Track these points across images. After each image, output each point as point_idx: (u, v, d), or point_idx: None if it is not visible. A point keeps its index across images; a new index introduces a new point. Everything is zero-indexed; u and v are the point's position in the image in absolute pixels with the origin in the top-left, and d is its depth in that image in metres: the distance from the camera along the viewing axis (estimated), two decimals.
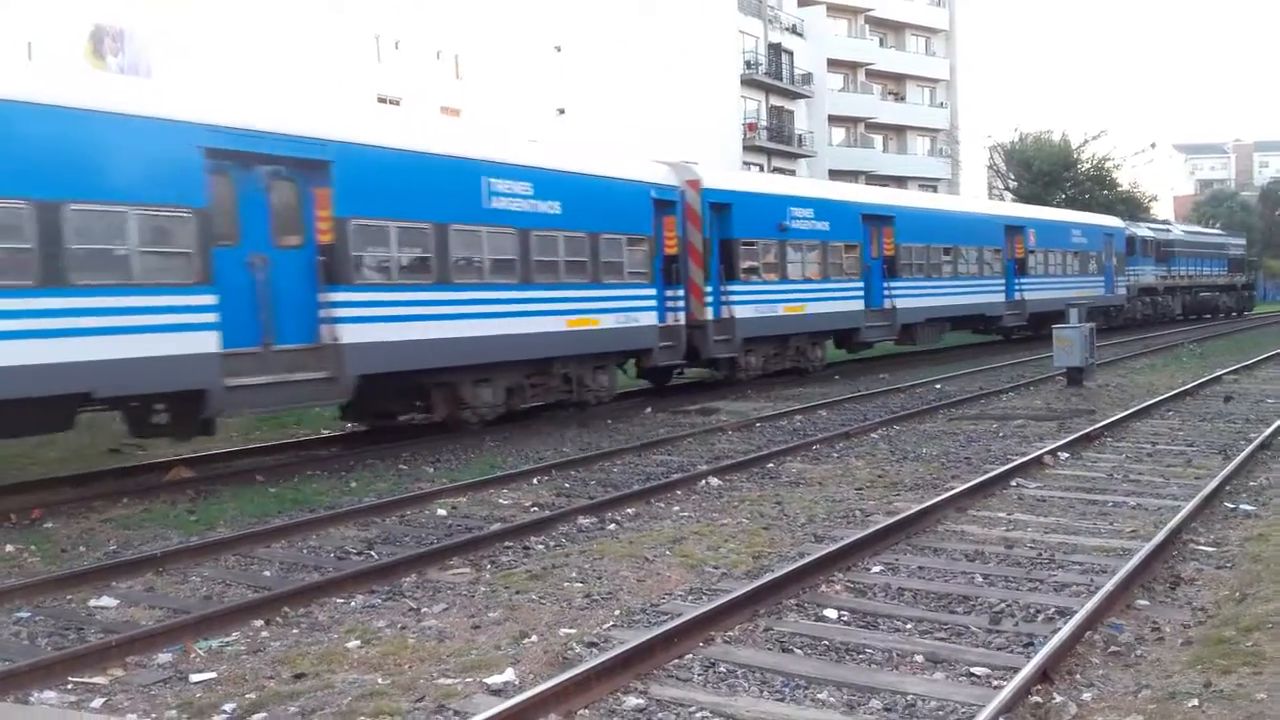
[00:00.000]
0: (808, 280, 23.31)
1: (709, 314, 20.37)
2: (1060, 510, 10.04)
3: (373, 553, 9.20)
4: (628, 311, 18.22)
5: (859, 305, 24.90)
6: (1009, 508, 10.19)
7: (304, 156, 12.95)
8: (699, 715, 5.46)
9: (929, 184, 62.90)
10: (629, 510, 10.50)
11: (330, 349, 13.14)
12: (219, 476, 13.01)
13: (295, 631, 7.04)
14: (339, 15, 43.58)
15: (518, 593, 7.74)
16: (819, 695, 5.71)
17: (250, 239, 12.48)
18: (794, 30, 58.21)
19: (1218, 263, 52.11)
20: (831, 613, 7.06)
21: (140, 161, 11.39)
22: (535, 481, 12.30)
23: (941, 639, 6.53)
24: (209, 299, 11.89)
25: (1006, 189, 61.63)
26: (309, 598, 7.62)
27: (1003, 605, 7.11)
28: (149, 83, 16.80)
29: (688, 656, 6.22)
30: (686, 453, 14.17)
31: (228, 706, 5.75)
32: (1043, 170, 58.35)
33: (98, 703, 5.89)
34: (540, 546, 9.19)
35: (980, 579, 7.80)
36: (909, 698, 5.59)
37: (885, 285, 25.94)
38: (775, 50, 55.65)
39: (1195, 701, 5.44)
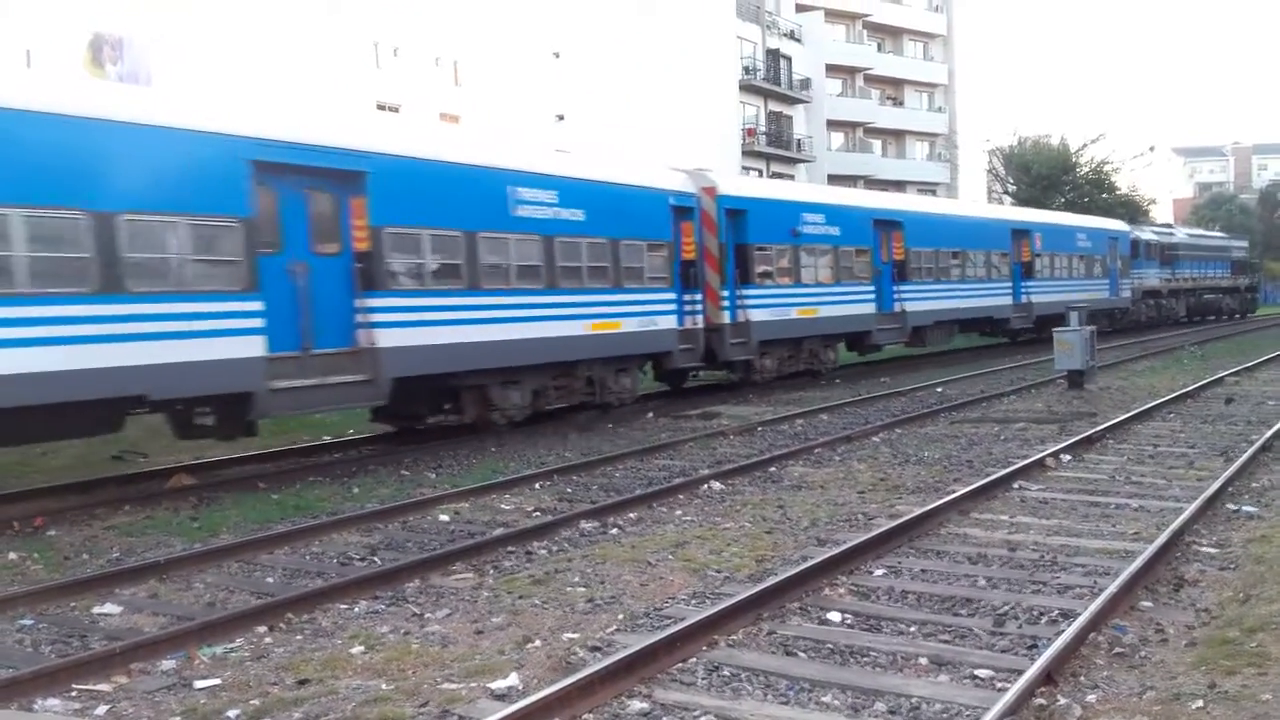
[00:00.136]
0: (820, 284, 23.66)
1: (725, 317, 20.79)
2: (1063, 512, 10.04)
3: (376, 558, 9.20)
4: (648, 315, 18.66)
5: (870, 309, 25.32)
6: (1011, 510, 10.18)
7: (341, 168, 13.43)
8: (703, 719, 5.46)
9: (928, 188, 62.94)
10: (631, 514, 10.50)
11: (367, 353, 13.56)
12: (221, 483, 13.01)
13: (299, 637, 7.04)
14: (337, 22, 43.65)
15: (521, 598, 7.74)
16: (823, 698, 5.71)
17: (291, 247, 12.94)
18: (792, 36, 58.28)
19: (1221, 265, 52.36)
20: (835, 616, 7.06)
21: (191, 173, 11.86)
22: (537, 486, 12.30)
23: (945, 641, 6.53)
24: (255, 305, 12.35)
25: (1005, 193, 61.66)
26: (312, 604, 7.62)
27: (1006, 608, 7.10)
28: (197, 97, 17.26)
29: (691, 660, 6.22)
30: (688, 457, 14.16)
31: (232, 713, 5.75)
32: (1042, 174, 58.39)
33: (102, 710, 5.89)
34: (543, 551, 9.19)
35: (983, 581, 7.80)
36: (913, 700, 5.59)
37: (895, 289, 26.29)
38: (773, 56, 55.71)
39: (1200, 703, 5.44)
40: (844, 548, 8.35)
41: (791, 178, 52.99)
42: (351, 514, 10.79)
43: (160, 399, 11.80)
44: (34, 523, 10.85)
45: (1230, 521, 9.51)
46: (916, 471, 12.48)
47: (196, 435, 13.29)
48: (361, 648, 6.74)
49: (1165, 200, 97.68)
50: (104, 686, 6.19)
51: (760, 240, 21.81)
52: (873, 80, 64.65)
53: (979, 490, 10.68)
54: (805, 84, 58.55)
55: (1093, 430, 14.47)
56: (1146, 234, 44.50)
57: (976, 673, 5.97)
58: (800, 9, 59.90)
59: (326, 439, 16.84)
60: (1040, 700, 5.44)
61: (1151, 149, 67.25)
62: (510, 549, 9.19)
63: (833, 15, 61.94)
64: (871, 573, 8.09)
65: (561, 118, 50.30)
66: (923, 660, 6.19)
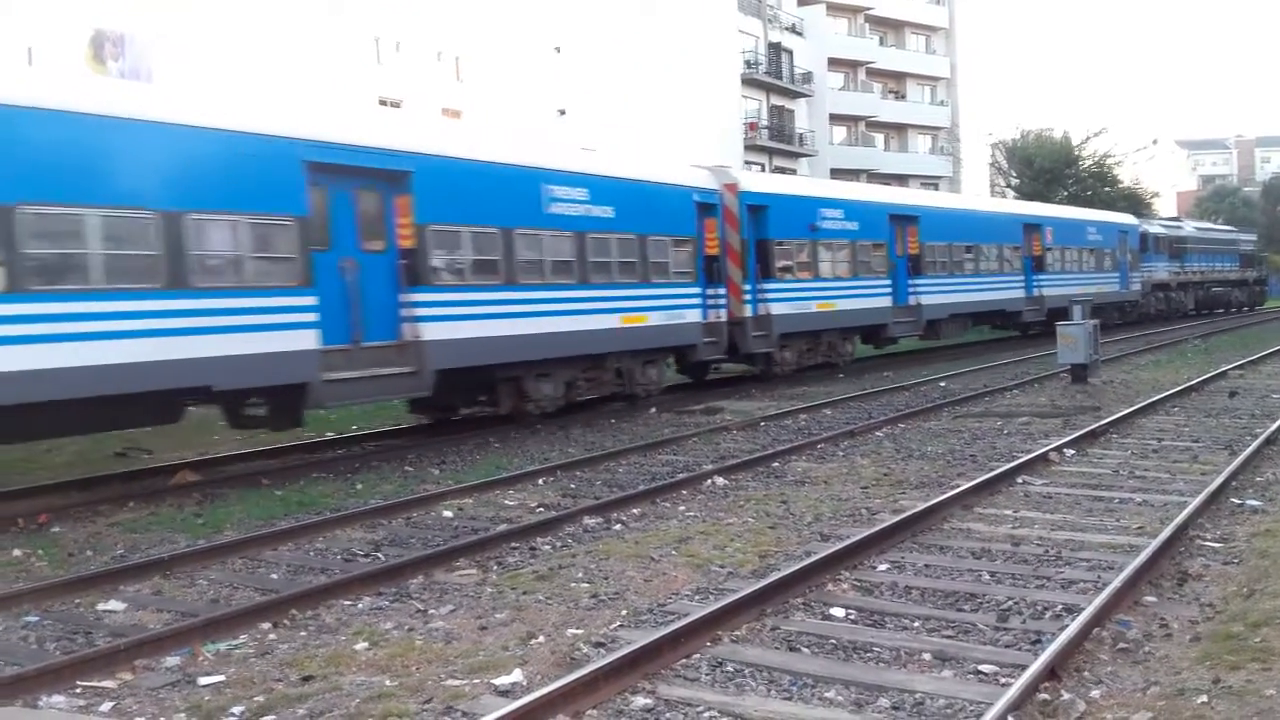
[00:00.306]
0: (838, 278, 24.24)
1: (747, 311, 21.26)
2: (1066, 507, 10.03)
3: (379, 555, 9.21)
4: (674, 309, 19.28)
5: (886, 302, 25.84)
6: (1015, 505, 10.18)
7: (388, 167, 14.04)
8: (707, 715, 5.46)
9: (930, 182, 62.89)
10: (635, 510, 10.51)
11: (412, 346, 14.14)
12: (225, 480, 13.03)
13: (303, 634, 7.05)
14: (339, 17, 43.59)
15: (524, 594, 7.74)
16: (827, 694, 5.71)
17: (341, 244, 13.54)
18: (794, 29, 58.20)
19: (1229, 258, 52.64)
20: (839, 611, 7.05)
21: (252, 175, 12.45)
22: (541, 482, 12.31)
23: (949, 637, 6.52)
24: (310, 300, 12.95)
25: (1008, 186, 61.60)
26: (316, 600, 7.63)
27: (1010, 603, 7.10)
28: (254, 100, 18.11)
29: (695, 656, 6.22)
30: (692, 452, 14.17)
31: (236, 709, 5.76)
32: (1044, 167, 58.33)
33: (106, 707, 5.90)
34: (546, 547, 9.19)
35: (987, 577, 7.79)
36: (917, 696, 5.59)
37: (910, 283, 26.78)
38: (775, 49, 55.64)
39: (1204, 698, 5.43)
40: (847, 543, 8.35)
41: (794, 172, 52.99)
42: (355, 510, 10.80)
43: (223, 390, 12.35)
44: (39, 519, 10.88)
45: (1234, 516, 9.50)
46: (920, 466, 12.48)
47: (249, 426, 14.00)
48: (365, 644, 6.74)
49: (1168, 193, 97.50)
50: (109, 683, 6.21)
51: (780, 235, 22.41)
52: (875, 74, 64.55)
53: (982, 485, 10.68)
54: (807, 78, 58.47)
55: (1096, 424, 14.45)
56: (1156, 228, 44.99)
57: (980, 668, 5.97)
58: (802, 3, 59.84)
59: (329, 435, 16.86)
60: (1044, 695, 5.43)
61: (1154, 142, 67.30)
62: (514, 545, 9.20)
63: (834, 9, 61.86)
64: (875, 568, 8.08)
65: (563, 113, 50.23)
66: (926, 656, 6.19)
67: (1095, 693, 5.58)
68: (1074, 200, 52.04)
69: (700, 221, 20.13)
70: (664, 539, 9.25)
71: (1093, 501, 10.21)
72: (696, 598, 7.50)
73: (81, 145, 10.93)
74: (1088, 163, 60.11)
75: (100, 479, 13.13)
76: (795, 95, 57.40)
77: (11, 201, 10.37)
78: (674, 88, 48.85)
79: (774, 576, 7.48)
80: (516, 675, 6.04)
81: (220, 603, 7.91)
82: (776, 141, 54.95)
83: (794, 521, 9.83)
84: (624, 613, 7.21)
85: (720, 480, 11.84)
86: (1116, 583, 6.99)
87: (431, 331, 14.30)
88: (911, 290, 26.73)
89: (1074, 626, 6.20)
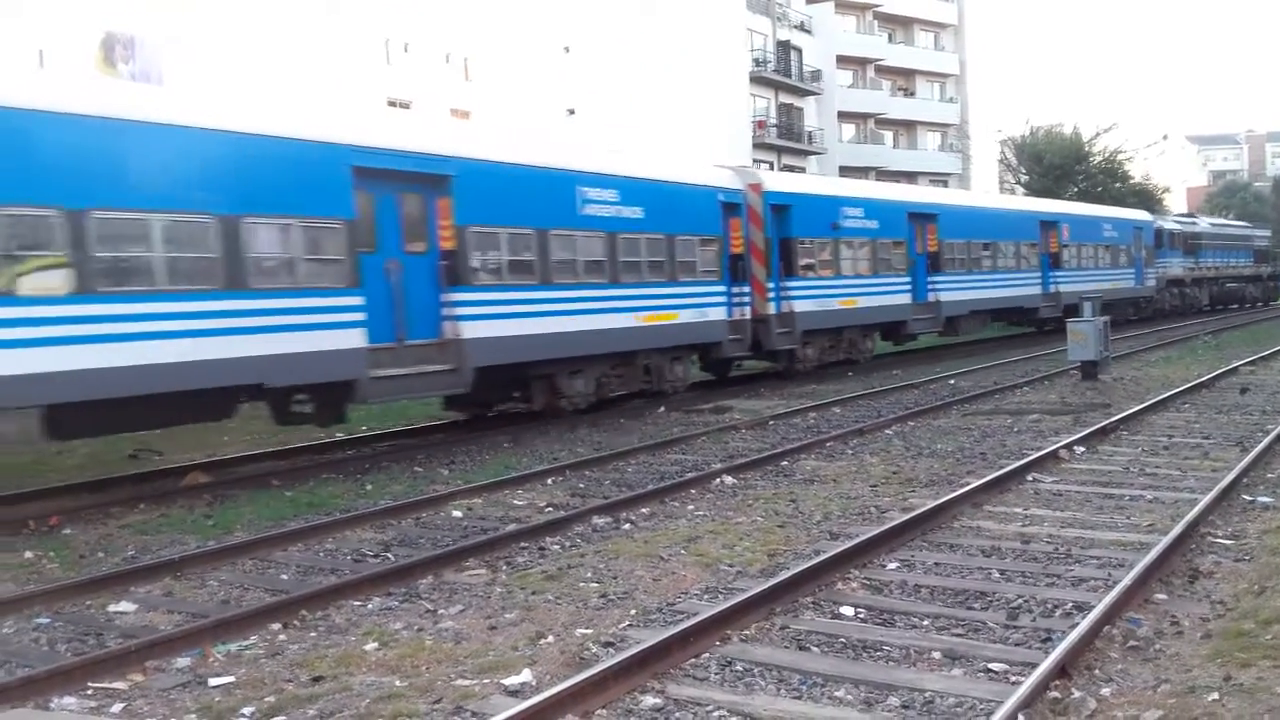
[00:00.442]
0: (859, 275, 24.60)
1: (771, 309, 21.68)
2: (1077, 505, 10.00)
3: (389, 555, 9.22)
4: (701, 307, 19.64)
5: (906, 299, 26.20)
6: (1025, 503, 10.15)
7: (430, 171, 14.51)
8: (716, 714, 5.46)
9: (939, 179, 62.75)
10: (644, 510, 10.50)
11: (452, 344, 14.60)
12: (235, 481, 13.06)
13: (313, 634, 7.06)
14: (348, 19, 43.69)
15: (534, 593, 7.75)
16: (836, 693, 5.70)
17: (386, 246, 14.01)
18: (802, 27, 58.12)
19: (1243, 254, 52.75)
20: (848, 610, 7.04)
21: (304, 179, 12.92)
22: (550, 482, 12.31)
23: (959, 635, 6.51)
24: (358, 300, 13.43)
25: (1018, 183, 61.40)
26: (326, 600, 7.64)
27: (1020, 601, 7.09)
28: (306, 107, 19.26)
29: (704, 655, 6.22)
30: (700, 451, 14.16)
31: (247, 710, 5.77)
32: (1054, 164, 58.11)
33: (117, 708, 5.92)
34: (555, 547, 9.20)
35: (997, 575, 7.77)
36: (927, 694, 5.58)
37: (929, 280, 27.13)
38: (784, 47, 55.58)
39: (1215, 695, 5.41)
40: (856, 541, 8.33)
41: (803, 170, 52.91)
42: (365, 511, 10.82)
43: (276, 386, 12.90)
44: (50, 521, 10.92)
45: (1246, 513, 9.46)
46: (929, 464, 12.45)
47: (295, 422, 14.44)
48: (375, 644, 6.76)
49: (1179, 189, 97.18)
50: (120, 684, 6.23)
51: (803, 234, 22.74)
52: (884, 71, 64.44)
53: (992, 483, 10.64)
54: (816, 76, 58.41)
55: (1107, 421, 14.41)
56: (1170, 224, 45.24)
57: (990, 666, 5.96)
58: (810, 0, 59.72)
59: (339, 436, 16.89)
60: (1054, 693, 5.42)
61: (1165, 137, 66.91)
62: (523, 545, 9.21)
63: (843, 6, 61.79)
64: (884, 566, 8.07)
65: (572, 112, 50.26)
66: (936, 654, 6.18)
67: (1106, 690, 5.56)
68: (1084, 196, 51.92)
69: (725, 221, 20.55)
70: (673, 538, 9.25)
71: (1103, 499, 10.18)
72: (705, 597, 7.50)
73: (147, 152, 11.42)
74: (1098, 159, 59.86)
75: (111, 481, 13.17)
76: (804, 93, 57.34)
77: (82, 207, 10.80)
78: (682, 86, 48.85)
79: (783, 575, 7.48)
80: (526, 675, 6.04)
81: (231, 604, 7.93)
82: (785, 139, 54.90)
83: (803, 520, 9.82)
84: (633, 612, 7.21)
85: (729, 479, 11.83)
86: (1127, 580, 6.97)
87: (471, 330, 14.76)
88: (931, 287, 27.08)
89: (1084, 624, 6.18)
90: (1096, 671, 5.81)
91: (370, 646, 6.72)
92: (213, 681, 6.22)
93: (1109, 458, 12.34)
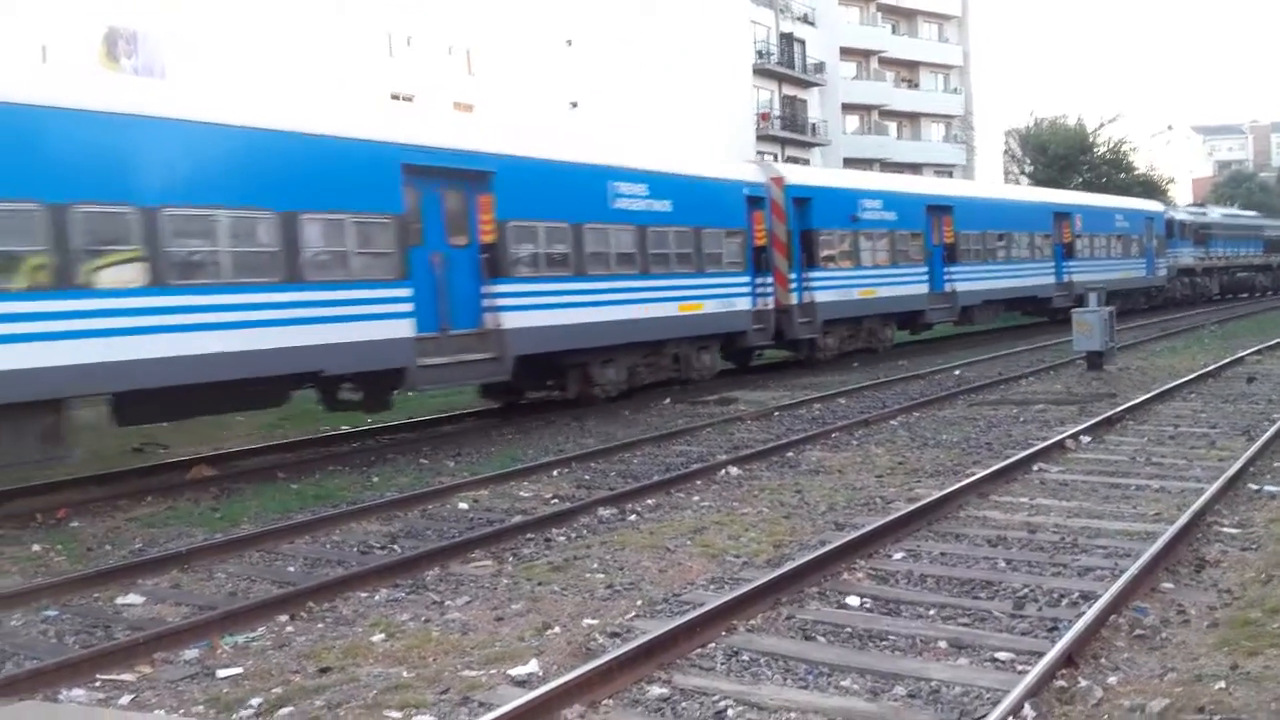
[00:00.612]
0: (878, 266, 25.09)
1: (793, 299, 22.17)
2: (1083, 494, 9.99)
3: (395, 547, 9.24)
4: (726, 297, 20.21)
5: (923, 289, 26.67)
6: (1031, 493, 10.14)
7: (473, 168, 15.09)
8: (722, 704, 5.46)
9: (944, 170, 62.56)
10: (649, 501, 10.51)
11: (493, 333, 15.20)
12: (241, 474, 13.10)
13: (320, 626, 7.08)
14: (350, 13, 43.64)
15: (540, 584, 7.76)
16: (842, 682, 5.70)
17: (431, 240, 14.60)
18: (805, 19, 57.94)
19: (1254, 243, 52.93)
20: (854, 600, 7.05)
21: (358, 177, 13.50)
22: (555, 474, 12.32)
23: (965, 625, 6.51)
24: (406, 291, 14.03)
25: (1022, 174, 61.28)
26: (333, 592, 7.66)
27: (1026, 590, 7.08)
28: (357, 107, 20.14)
29: (710, 646, 6.22)
30: (706, 443, 14.16)
31: (254, 701, 5.79)
32: (1059, 154, 58.04)
33: (126, 699, 5.94)
34: (561, 538, 9.21)
35: (1003, 564, 7.77)
36: (933, 684, 5.58)
37: (946, 270, 27.53)
38: (787, 39, 55.44)
39: (1222, 684, 5.41)
40: (862, 532, 8.33)
41: (806, 162, 52.77)
42: (371, 503, 10.84)
43: (333, 374, 13.54)
44: (57, 514, 10.95)
45: (1252, 501, 9.45)
46: (935, 455, 12.44)
47: (344, 409, 15.07)
48: (382, 635, 6.77)
49: (1184, 179, 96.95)
50: (128, 676, 6.25)
51: (824, 226, 23.22)
52: (887, 63, 64.21)
53: (998, 473, 10.63)
54: (819, 67, 58.25)
55: (1112, 411, 14.39)
56: (1181, 214, 45.68)
57: (997, 655, 5.96)
58: None
59: (345, 429, 16.91)
60: (1061, 682, 5.43)
61: (1169, 127, 66.91)
62: (529, 536, 9.22)
63: None
64: (890, 556, 8.07)
65: (575, 105, 50.20)
66: (942, 643, 6.18)
67: (1112, 679, 5.56)
68: (1088, 187, 51.84)
69: (750, 214, 21.06)
70: (679, 529, 9.26)
71: (1109, 488, 10.17)
72: (711, 587, 7.50)
73: (215, 152, 12.05)
74: (1102, 149, 59.77)
75: (118, 474, 13.21)
76: (807, 85, 57.19)
77: (155, 204, 11.38)
78: (685, 79, 48.76)
79: (789, 566, 7.48)
80: (532, 665, 6.05)
81: (238, 596, 7.95)
82: (789, 131, 54.77)
83: (808, 511, 9.82)
84: (639, 603, 7.22)
85: (734, 470, 11.83)
86: (1134, 569, 6.96)
87: (511, 320, 15.33)
88: (947, 277, 27.46)
89: (1091, 613, 6.18)
90: (1103, 660, 5.81)
91: (377, 638, 6.74)
92: (220, 673, 6.24)
93: (1115, 447, 12.32)
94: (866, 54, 62.74)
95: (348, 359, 13.30)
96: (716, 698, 5.52)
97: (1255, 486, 9.91)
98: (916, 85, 66.09)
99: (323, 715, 5.57)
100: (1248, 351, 22.16)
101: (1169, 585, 7.09)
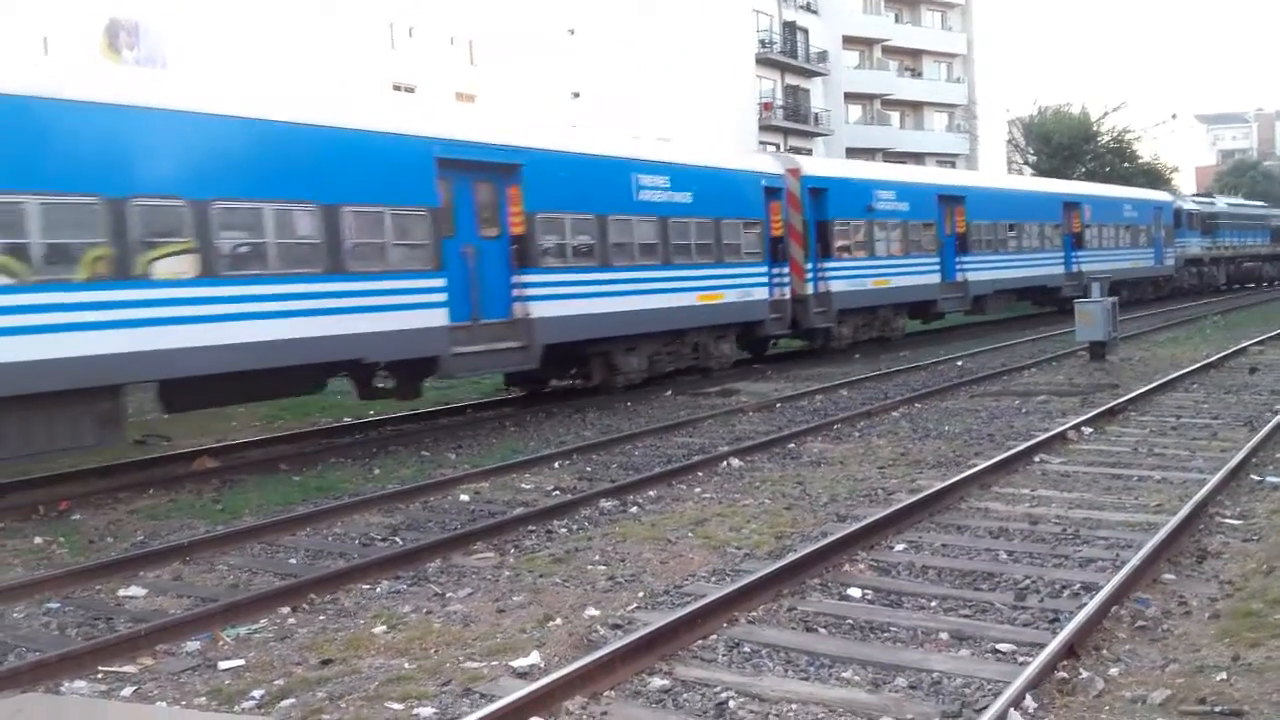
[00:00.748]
0: (892, 256, 25.36)
1: (809, 288, 22.49)
2: (1084, 485, 9.98)
3: (397, 539, 9.25)
4: (745, 287, 20.49)
5: (936, 279, 26.99)
6: (1033, 484, 10.13)
7: (503, 161, 15.45)
8: (724, 695, 5.46)
9: (947, 160, 62.43)
10: (651, 492, 10.51)
11: (522, 323, 15.55)
12: (243, 466, 13.09)
13: (322, 618, 7.09)
14: (351, 4, 43.55)
15: (541, 576, 7.77)
16: (844, 674, 5.70)
17: (463, 232, 14.94)
18: (808, 8, 57.76)
19: (1261, 233, 53.13)
20: (855, 592, 7.05)
21: (395, 171, 13.90)
22: (557, 465, 12.32)
23: (966, 616, 6.51)
24: (441, 282, 14.39)
25: (1026, 163, 61.15)
26: (335, 584, 7.66)
27: (1028, 581, 7.08)
28: (394, 102, 20.57)
29: (712, 637, 6.23)
30: (707, 434, 14.16)
31: (256, 693, 5.80)
32: (1062, 144, 57.90)
33: (128, 691, 5.95)
34: (563, 530, 9.21)
35: (1005, 555, 7.77)
36: (934, 675, 5.58)
37: (958, 260, 27.87)
38: (790, 28, 55.27)
39: (1223, 675, 5.41)
40: (864, 523, 8.33)
41: (809, 152, 52.68)
42: (373, 495, 10.84)
43: (373, 361, 13.97)
44: (59, 506, 10.96)
45: (1254, 493, 9.43)
46: (937, 446, 12.43)
47: (376, 396, 15.57)
48: (384, 627, 6.78)
49: (1188, 168, 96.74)
50: (130, 668, 6.26)
51: (839, 216, 23.52)
52: (890, 51, 64.07)
53: (1000, 464, 10.63)
54: (822, 56, 58.10)
55: (1115, 402, 14.37)
56: (1189, 204, 45.88)
57: (998, 647, 5.95)
58: None
59: (347, 420, 16.93)
60: (1062, 674, 5.42)
61: (1173, 116, 66.64)
62: (531, 528, 9.22)
63: None
64: (892, 548, 8.07)
65: (577, 95, 50.11)
66: (944, 635, 6.18)
67: (1114, 670, 5.56)
68: (1092, 177, 51.77)
69: (767, 205, 21.31)
70: (680, 521, 9.26)
71: (1111, 480, 10.16)
72: (713, 579, 7.51)
73: (262, 147, 12.45)
74: (1106, 138, 59.63)
75: (120, 466, 13.20)
76: (810, 74, 57.04)
77: (206, 197, 11.76)
78: (688, 68, 48.64)
79: (790, 557, 7.48)
80: (534, 657, 6.06)
81: (240, 588, 7.96)
82: (791, 121, 54.64)
83: (810, 502, 9.81)
84: (641, 594, 7.22)
85: (736, 462, 11.83)
86: (1135, 561, 6.95)
87: (539, 310, 15.71)
88: (959, 267, 27.72)
89: (1092, 605, 6.17)
90: (1104, 652, 5.81)
91: (379, 629, 6.74)
92: (222, 665, 6.25)
93: (1117, 438, 12.31)
94: (869, 43, 62.60)
95: (386, 347, 13.66)
96: (718, 689, 5.52)
97: (1257, 478, 9.90)
98: (920, 74, 65.92)
99: (324, 707, 5.57)
100: (1250, 342, 22.12)
101: (1171, 576, 7.09)
